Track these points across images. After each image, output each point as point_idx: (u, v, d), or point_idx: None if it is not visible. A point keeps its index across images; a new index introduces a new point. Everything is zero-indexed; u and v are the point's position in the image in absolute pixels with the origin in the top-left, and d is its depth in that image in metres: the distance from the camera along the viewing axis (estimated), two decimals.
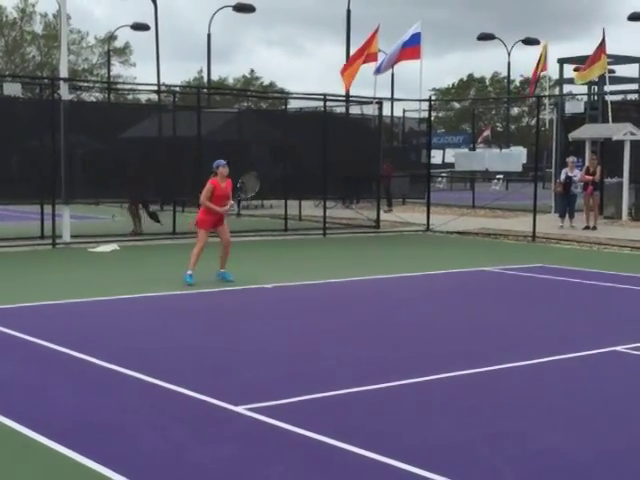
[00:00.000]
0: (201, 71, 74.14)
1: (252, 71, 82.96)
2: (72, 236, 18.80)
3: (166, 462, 5.62)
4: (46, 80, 22.30)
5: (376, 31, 23.85)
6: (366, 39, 23.84)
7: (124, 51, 70.43)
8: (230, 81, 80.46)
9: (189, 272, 12.91)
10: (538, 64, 27.57)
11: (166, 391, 7.20)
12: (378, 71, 24.27)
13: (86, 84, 47.14)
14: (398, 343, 9.30)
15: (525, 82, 73.50)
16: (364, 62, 23.76)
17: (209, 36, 41.42)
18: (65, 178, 18.63)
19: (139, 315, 10.69)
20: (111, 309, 11.10)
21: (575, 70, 33.99)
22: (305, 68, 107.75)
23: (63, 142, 18.50)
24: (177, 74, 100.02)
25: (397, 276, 14.15)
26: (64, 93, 18.82)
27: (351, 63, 24.27)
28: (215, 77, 67.53)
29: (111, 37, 62.39)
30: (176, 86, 43.77)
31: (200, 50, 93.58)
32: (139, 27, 46.75)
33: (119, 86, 56.60)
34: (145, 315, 10.71)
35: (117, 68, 69.46)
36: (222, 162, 13.34)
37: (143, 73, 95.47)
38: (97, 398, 7.03)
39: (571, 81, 34.48)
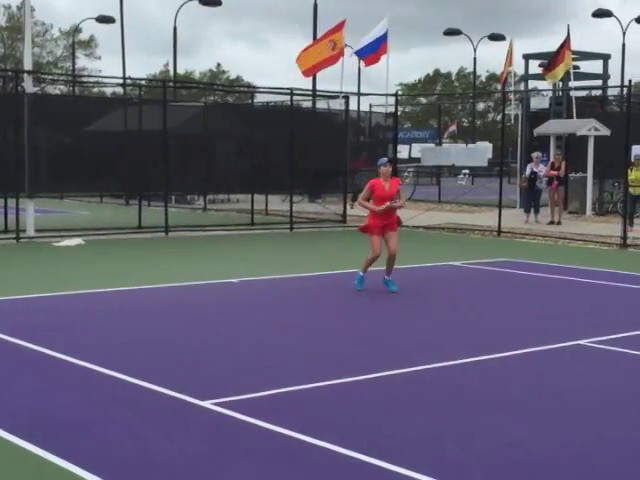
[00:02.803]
0: (167, 64, 73.79)
1: (218, 65, 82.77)
2: (36, 230, 18.65)
3: (133, 458, 5.59)
4: (10, 73, 22.07)
5: (342, 25, 23.83)
6: (328, 29, 23.78)
7: (89, 44, 69.86)
8: (197, 75, 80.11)
9: (360, 273, 12.12)
10: (507, 60, 27.76)
11: (132, 387, 7.16)
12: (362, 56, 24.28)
13: (51, 77, 46.72)
14: (364, 337, 9.31)
15: (491, 78, 74.01)
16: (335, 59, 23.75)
17: (175, 29, 41.19)
18: (29, 171, 18.46)
19: (104, 310, 10.61)
20: (76, 304, 11.01)
21: (540, 66, 34.19)
22: (271, 63, 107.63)
23: (27, 135, 18.33)
24: (143, 67, 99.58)
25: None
26: (28, 86, 18.63)
27: (306, 49, 24.14)
28: (181, 71, 67.22)
29: (76, 30, 61.82)
30: (142, 79, 43.48)
31: (166, 43, 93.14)
32: (104, 20, 46.41)
33: (84, 79, 56.15)
34: (111, 310, 10.62)
35: (82, 61, 68.93)
36: (383, 160, 12.17)
37: (108, 66, 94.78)
38: (63, 394, 6.97)
39: (536, 77, 34.77)
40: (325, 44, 23.41)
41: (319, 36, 24.82)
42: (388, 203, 11.77)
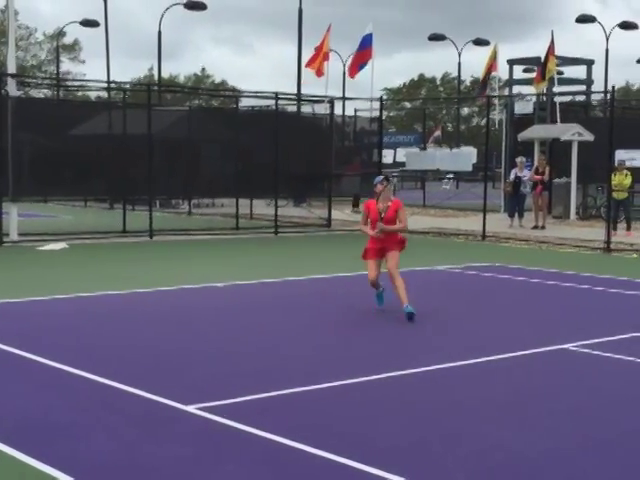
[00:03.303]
0: (152, 68, 73.67)
1: (203, 69, 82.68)
2: (20, 234, 18.56)
3: (116, 463, 5.55)
4: None
5: (328, 30, 23.96)
6: (323, 37, 24.04)
7: (73, 47, 69.67)
8: (181, 79, 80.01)
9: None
10: (489, 67, 27.87)
11: (115, 391, 7.12)
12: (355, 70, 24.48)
13: (34, 80, 46.44)
14: (349, 342, 9.31)
15: (476, 83, 74.28)
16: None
17: (159, 33, 41.08)
18: (13, 175, 18.38)
19: (88, 314, 10.56)
20: (60, 308, 10.96)
21: (525, 71, 34.21)
22: (254, 67, 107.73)
23: (11, 139, 18.25)
24: (127, 71, 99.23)
25: (348, 275, 14.15)
26: (12, 89, 18.57)
27: (317, 56, 24.32)
28: (166, 75, 67.07)
29: (60, 33, 61.64)
30: (126, 83, 43.23)
31: (150, 47, 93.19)
32: (88, 23, 46.28)
33: (68, 83, 55.89)
34: (94, 314, 10.58)
35: (66, 65, 68.72)
36: (378, 178, 10.82)
37: (93, 70, 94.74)
38: (45, 398, 6.93)
39: (520, 82, 34.86)
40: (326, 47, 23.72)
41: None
42: (381, 225, 10.52)
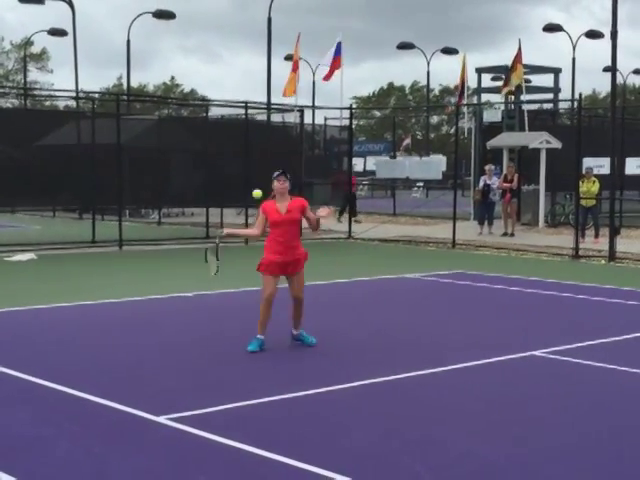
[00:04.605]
0: (121, 78, 73.40)
1: (172, 78, 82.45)
2: None
3: (85, 475, 5.50)
4: None
5: (298, 40, 24.03)
6: (295, 49, 24.17)
7: (41, 57, 69.26)
8: (150, 88, 79.75)
9: (258, 336, 9.14)
10: (462, 74, 28.07)
11: (85, 402, 7.06)
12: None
13: (2, 90, 46.12)
14: (318, 351, 9.29)
15: (445, 91, 74.78)
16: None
17: (128, 42, 40.90)
18: None
19: (56, 326, 10.48)
20: (27, 319, 10.85)
21: (493, 79, 34.35)
22: (223, 76, 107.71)
23: None
24: (96, 81, 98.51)
25: (320, 284, 14.16)
26: None
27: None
28: (135, 84, 66.83)
29: (27, 42, 61.23)
30: (95, 92, 43.04)
31: (119, 56, 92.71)
32: (56, 32, 45.96)
33: (36, 92, 55.56)
34: (62, 326, 10.50)
35: (34, 74, 68.29)
36: (275, 174, 9.46)
37: (61, 79, 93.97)
38: (10, 410, 6.85)
39: (489, 90, 35.12)
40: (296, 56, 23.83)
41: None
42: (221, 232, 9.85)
